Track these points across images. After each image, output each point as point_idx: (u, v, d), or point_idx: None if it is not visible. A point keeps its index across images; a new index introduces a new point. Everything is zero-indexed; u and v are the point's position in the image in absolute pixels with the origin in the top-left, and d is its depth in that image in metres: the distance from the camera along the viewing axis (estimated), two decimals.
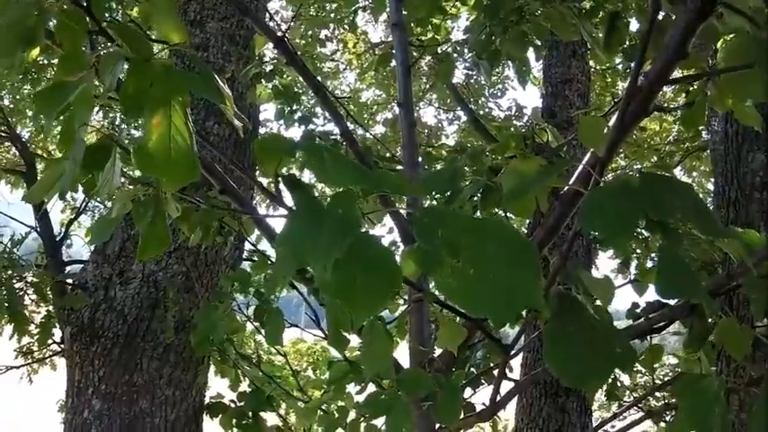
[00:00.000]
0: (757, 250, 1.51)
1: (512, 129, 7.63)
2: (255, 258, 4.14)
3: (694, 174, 10.88)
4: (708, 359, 1.85)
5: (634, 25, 3.23)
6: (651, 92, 1.24)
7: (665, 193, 0.78)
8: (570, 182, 1.44)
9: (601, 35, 2.25)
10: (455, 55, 3.62)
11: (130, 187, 1.65)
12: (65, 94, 0.77)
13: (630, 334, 1.62)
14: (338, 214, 0.78)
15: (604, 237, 0.78)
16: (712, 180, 5.28)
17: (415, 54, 3.73)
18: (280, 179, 0.91)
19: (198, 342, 3.22)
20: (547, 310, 1.07)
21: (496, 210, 1.91)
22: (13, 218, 5.92)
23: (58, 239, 5.61)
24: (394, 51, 3.06)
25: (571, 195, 1.47)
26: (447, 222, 0.86)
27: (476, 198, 2.35)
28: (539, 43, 2.96)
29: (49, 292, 4.22)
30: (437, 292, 1.39)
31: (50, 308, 4.32)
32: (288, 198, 1.01)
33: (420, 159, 3.27)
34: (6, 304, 3.67)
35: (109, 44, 1.11)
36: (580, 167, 1.29)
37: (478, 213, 2.33)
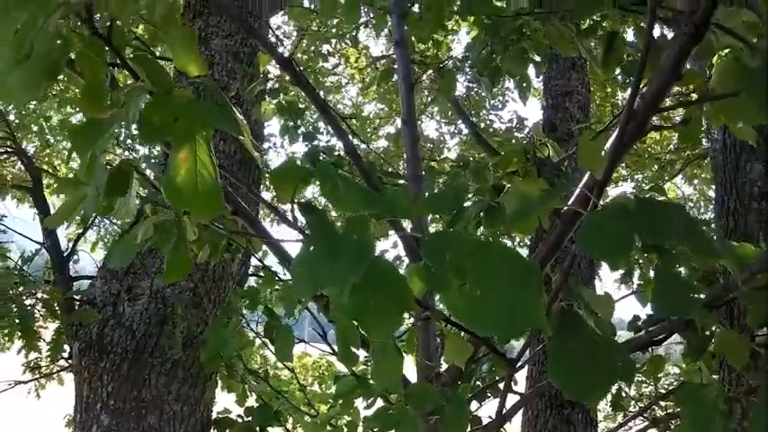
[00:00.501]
0: (751, 263, 1.56)
1: (513, 140, 7.69)
2: (262, 273, 4.18)
3: (695, 181, 10.93)
4: (709, 369, 1.89)
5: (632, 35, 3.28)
6: (647, 114, 1.28)
7: (660, 216, 0.83)
8: (571, 200, 1.49)
9: (599, 50, 2.30)
10: (456, 69, 3.67)
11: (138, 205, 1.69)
12: (98, 132, 0.82)
13: (631, 347, 1.67)
14: (353, 240, 0.83)
15: (603, 258, 0.83)
16: (713, 187, 5.34)
17: (417, 70, 3.79)
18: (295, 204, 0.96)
19: (208, 359, 3.26)
20: (549, 327, 1.11)
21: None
22: (19, 233, 5.97)
23: (65, 255, 5.65)
24: (396, 67, 3.12)
25: (572, 214, 1.52)
26: (453, 246, 0.91)
27: (480, 214, 2.40)
28: (539, 59, 3.02)
29: (57, 308, 4.26)
30: (442, 307, 1.43)
31: (58, 323, 4.36)
32: (293, 214, 1.06)
33: (423, 173, 3.32)
34: (18, 320, 3.71)
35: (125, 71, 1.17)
36: (578, 189, 1.34)
37: (482, 228, 2.38)
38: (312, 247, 0.87)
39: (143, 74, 0.94)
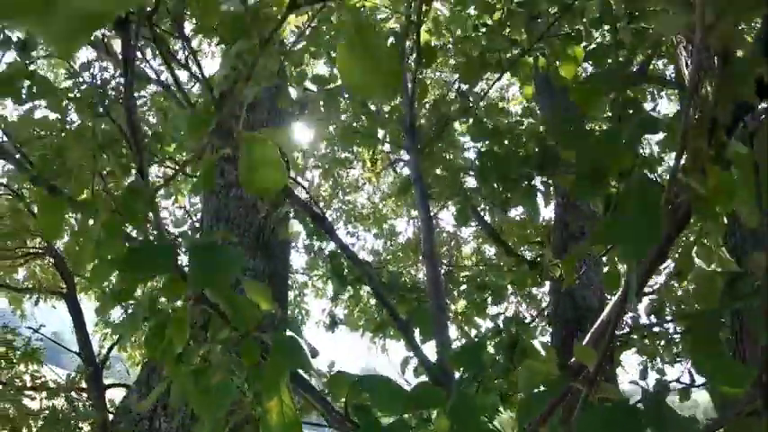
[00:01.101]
0: (741, 399, 1.76)
1: (528, 231, 7.86)
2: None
3: None
4: None
5: None
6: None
7: (638, 422, 1.06)
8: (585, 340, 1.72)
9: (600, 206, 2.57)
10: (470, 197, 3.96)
11: None
12: (221, 397, 1.07)
13: None
14: None
15: None
16: None
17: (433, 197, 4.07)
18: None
19: None
20: None
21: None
22: (59, 343, 6.23)
23: (98, 361, 5.86)
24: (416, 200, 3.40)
25: (578, 366, 1.75)
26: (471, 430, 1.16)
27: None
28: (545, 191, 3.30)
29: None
30: None
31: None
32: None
33: (445, 295, 3.54)
34: None
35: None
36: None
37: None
38: None
39: (229, 311, 1.19)
